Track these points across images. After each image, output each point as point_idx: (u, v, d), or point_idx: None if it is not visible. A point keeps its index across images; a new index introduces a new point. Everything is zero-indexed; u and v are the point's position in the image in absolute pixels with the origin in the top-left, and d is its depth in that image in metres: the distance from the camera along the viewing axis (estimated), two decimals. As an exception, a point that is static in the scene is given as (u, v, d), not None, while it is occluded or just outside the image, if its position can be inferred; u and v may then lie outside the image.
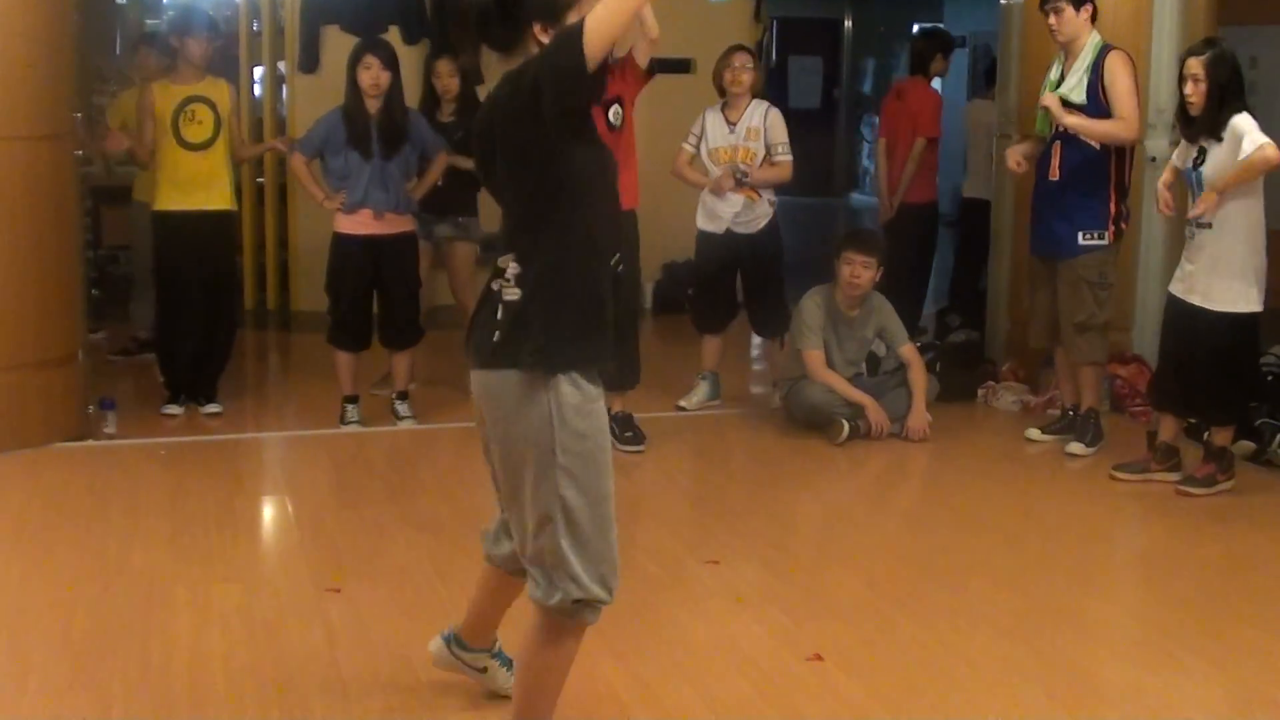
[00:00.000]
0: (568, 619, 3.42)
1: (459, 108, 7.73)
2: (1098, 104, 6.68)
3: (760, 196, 7.49)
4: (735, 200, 7.46)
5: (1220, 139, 6.07)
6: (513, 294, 3.30)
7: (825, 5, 20.29)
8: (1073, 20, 6.75)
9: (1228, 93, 6.07)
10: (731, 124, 7.46)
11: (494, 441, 3.41)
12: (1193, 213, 6.19)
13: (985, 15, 9.92)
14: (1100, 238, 6.77)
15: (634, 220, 6.47)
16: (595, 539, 3.36)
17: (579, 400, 3.29)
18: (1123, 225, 6.86)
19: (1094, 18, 6.79)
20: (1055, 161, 6.83)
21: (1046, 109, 6.79)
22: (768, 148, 7.46)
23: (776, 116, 7.54)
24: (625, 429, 6.82)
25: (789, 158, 7.51)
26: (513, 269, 3.31)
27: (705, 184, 7.48)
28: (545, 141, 3.22)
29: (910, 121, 9.08)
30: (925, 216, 9.26)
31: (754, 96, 7.54)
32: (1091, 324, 6.86)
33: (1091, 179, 6.76)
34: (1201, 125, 6.14)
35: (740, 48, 7.68)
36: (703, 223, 7.58)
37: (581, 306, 3.30)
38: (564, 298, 3.29)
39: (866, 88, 20.75)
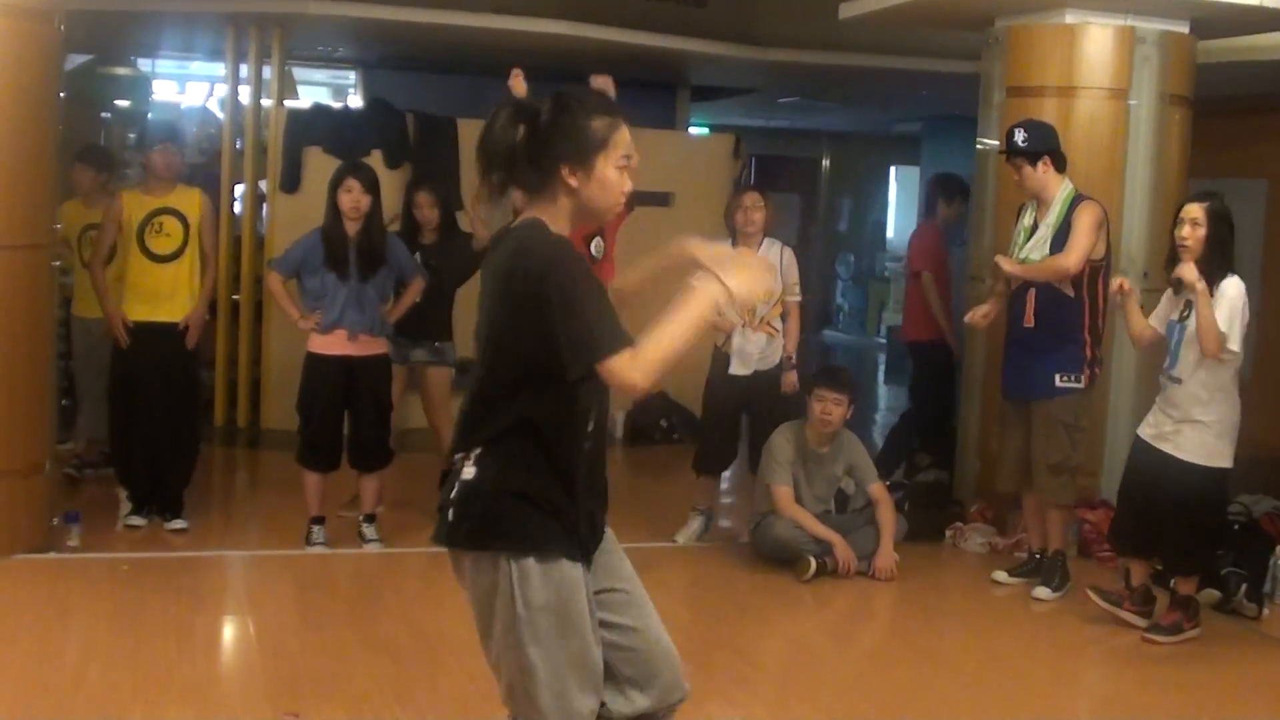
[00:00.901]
0: None
1: (440, 234, 7.80)
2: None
3: (777, 332, 7.52)
4: (757, 339, 7.46)
5: (1216, 286, 6.10)
6: (469, 472, 3.26)
7: (803, 144, 20.56)
8: (1033, 175, 6.87)
9: (1225, 242, 6.14)
10: None
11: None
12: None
13: (962, 160, 10.06)
14: (1076, 380, 6.82)
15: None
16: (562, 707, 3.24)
17: (532, 578, 3.20)
18: (1096, 370, 6.91)
19: (1060, 167, 6.90)
20: (1029, 308, 6.90)
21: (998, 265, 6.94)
22: (784, 287, 7.50)
23: (792, 256, 7.63)
24: None
25: (800, 298, 7.61)
26: (476, 448, 3.26)
27: (728, 326, 7.26)
28: (520, 343, 3.19)
29: (911, 261, 9.59)
30: (923, 355, 9.53)
31: (765, 234, 7.55)
32: (1066, 466, 6.89)
33: (1066, 323, 6.82)
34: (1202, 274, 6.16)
35: (751, 188, 7.78)
36: (736, 369, 7.48)
37: (531, 491, 3.22)
38: (513, 482, 3.22)
39: (842, 226, 20.98)
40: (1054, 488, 6.94)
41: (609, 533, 3.47)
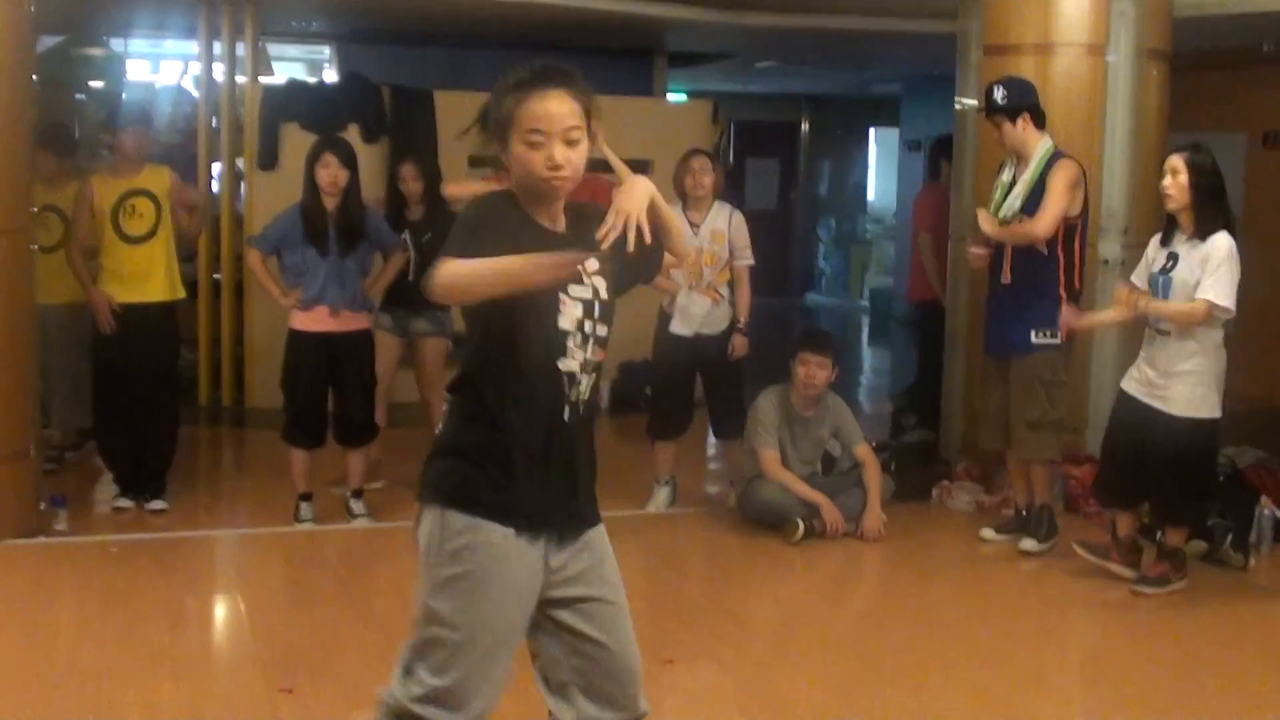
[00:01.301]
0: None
1: (426, 206, 7.76)
2: (1034, 212, 6.78)
3: (722, 297, 7.51)
4: (702, 301, 7.46)
5: (1202, 239, 6.13)
6: (439, 428, 3.32)
7: (782, 108, 20.53)
8: (1013, 132, 6.88)
9: (1211, 192, 6.14)
10: (695, 226, 7.38)
11: None
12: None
13: (941, 120, 10.08)
14: (1052, 336, 6.83)
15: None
16: (447, 679, 3.22)
17: (449, 532, 3.19)
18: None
19: (1040, 123, 6.90)
20: (1006, 265, 6.92)
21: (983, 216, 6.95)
22: (732, 251, 7.49)
23: (741, 220, 7.55)
24: None
25: (751, 262, 7.57)
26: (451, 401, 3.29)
27: (673, 288, 7.40)
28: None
29: (914, 222, 9.86)
30: (923, 314, 9.75)
31: (715, 199, 7.55)
32: (1044, 421, 6.91)
33: (1041, 280, 6.83)
34: (1186, 226, 6.17)
35: (699, 151, 7.67)
36: (676, 326, 7.47)
37: (467, 448, 3.21)
38: (454, 437, 3.24)
39: (823, 190, 20.96)
40: (1033, 444, 6.96)
41: (601, 540, 3.37)
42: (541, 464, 3.22)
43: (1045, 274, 6.83)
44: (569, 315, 3.18)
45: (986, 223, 6.90)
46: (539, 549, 3.23)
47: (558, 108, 3.13)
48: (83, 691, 4.88)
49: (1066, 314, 6.75)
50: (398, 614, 5.86)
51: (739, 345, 7.52)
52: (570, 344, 3.20)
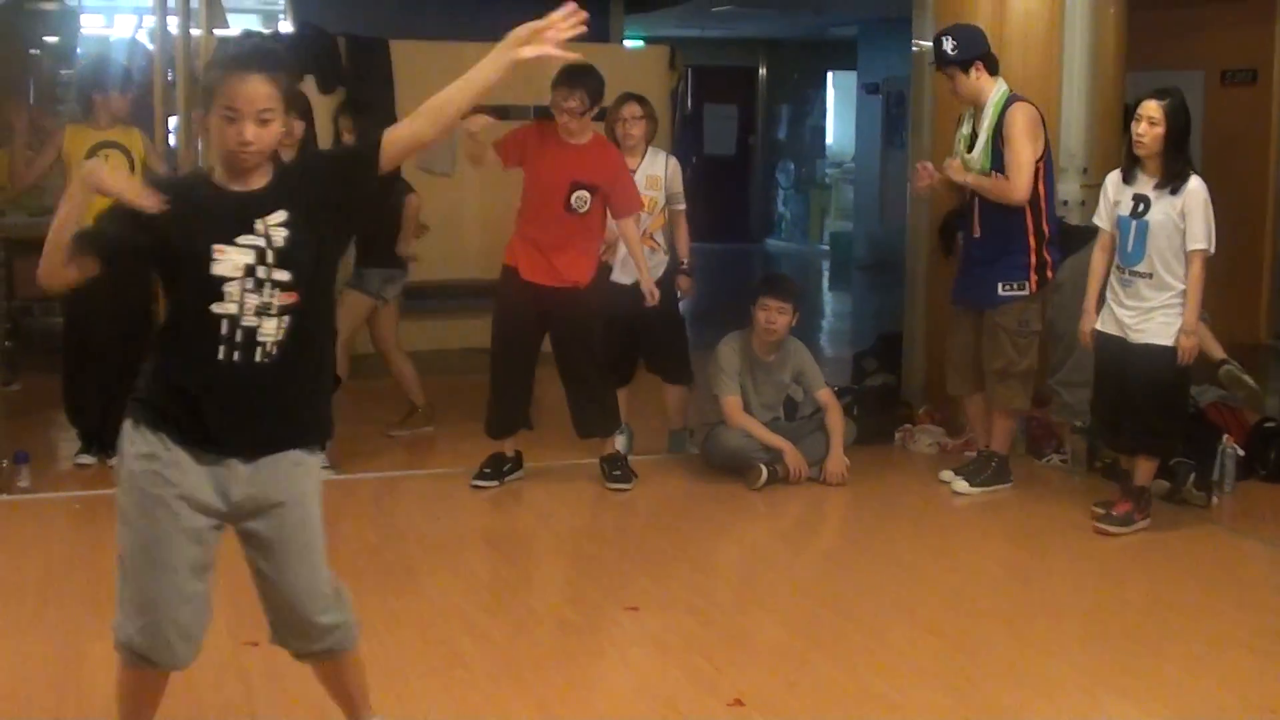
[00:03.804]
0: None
1: None
2: (1001, 164, 6.76)
3: (659, 245, 7.48)
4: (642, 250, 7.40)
5: (1173, 191, 6.17)
6: None
7: (739, 53, 20.48)
8: (966, 82, 6.85)
9: (1181, 139, 6.19)
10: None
11: None
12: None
13: (898, 62, 10.06)
14: (1021, 288, 6.84)
15: (596, 290, 6.92)
16: (127, 581, 3.58)
17: (126, 447, 3.53)
18: (1047, 275, 6.90)
19: (993, 70, 6.86)
20: (975, 219, 6.92)
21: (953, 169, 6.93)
22: (669, 197, 7.47)
23: (677, 166, 7.55)
24: (614, 468, 7.10)
25: (684, 206, 7.57)
26: None
27: (610, 238, 7.25)
28: None
29: None
30: None
31: (648, 145, 7.48)
32: (1011, 371, 6.93)
33: (1009, 231, 6.83)
34: (1154, 171, 6.22)
35: (630, 97, 7.50)
36: (617, 275, 7.40)
37: (160, 384, 3.52)
38: (146, 372, 3.57)
39: (781, 134, 20.94)
40: (1003, 393, 6.99)
41: (291, 478, 3.60)
42: (206, 398, 3.46)
43: (1013, 224, 6.81)
44: (228, 263, 3.40)
45: (958, 172, 6.88)
46: (202, 476, 3.50)
47: (253, 90, 3.40)
48: (49, 646, 4.87)
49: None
50: (361, 565, 5.88)
51: (684, 285, 7.55)
52: (231, 289, 3.40)
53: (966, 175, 6.85)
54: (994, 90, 6.84)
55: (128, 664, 3.63)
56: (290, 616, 3.68)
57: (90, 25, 12.99)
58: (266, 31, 12.82)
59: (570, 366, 7.03)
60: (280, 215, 3.46)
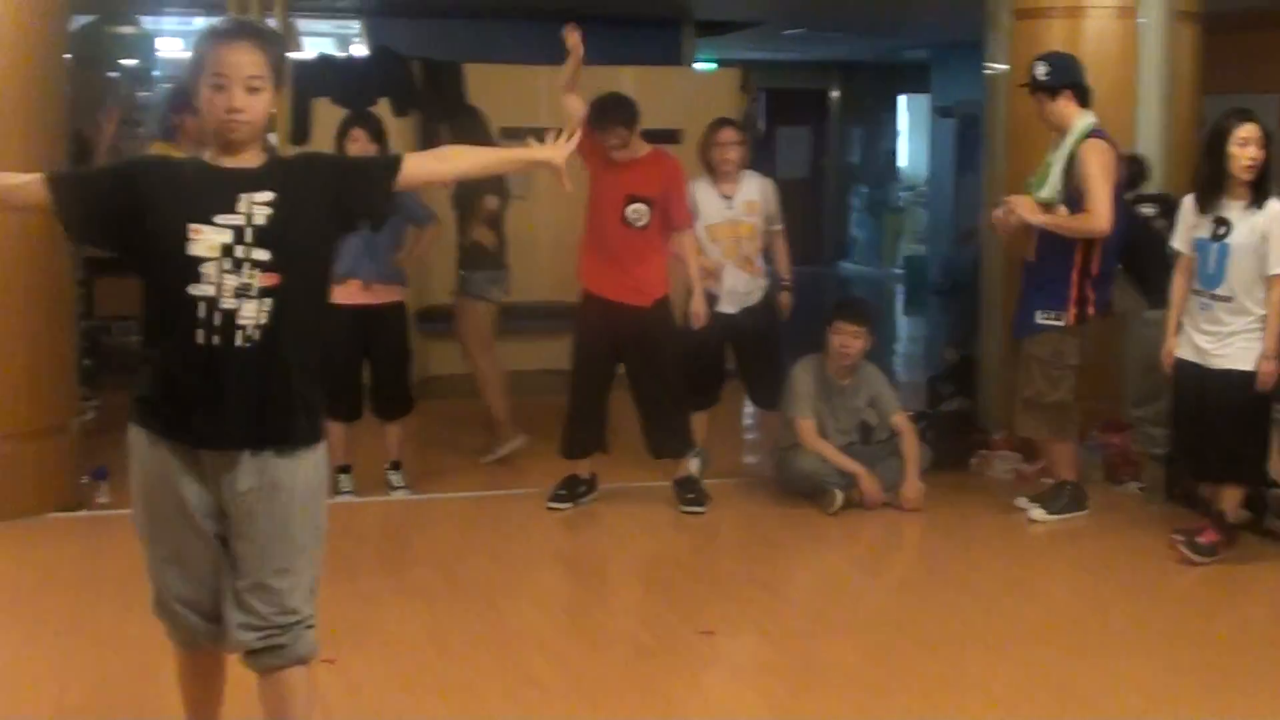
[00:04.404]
0: None
1: None
2: (1070, 196, 6.65)
3: (759, 269, 7.47)
4: (744, 279, 7.36)
5: (1259, 206, 6.11)
6: None
7: (812, 76, 20.45)
8: (1053, 109, 6.77)
9: (1271, 164, 6.15)
10: (727, 199, 7.32)
11: None
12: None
13: (971, 85, 10.01)
14: (1058, 318, 6.73)
15: (667, 311, 6.91)
16: (148, 564, 3.69)
17: (131, 451, 3.58)
18: (1088, 309, 6.75)
19: (1082, 101, 6.76)
20: (1031, 242, 6.85)
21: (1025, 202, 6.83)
22: (766, 218, 7.44)
23: (773, 188, 7.53)
24: (687, 491, 7.08)
25: (781, 227, 7.57)
26: None
27: (705, 263, 7.21)
28: None
29: None
30: None
31: (744, 169, 7.44)
32: (1039, 402, 6.83)
33: (1057, 260, 6.71)
34: (1239, 194, 6.14)
35: (725, 122, 7.54)
36: (724, 306, 7.31)
37: (148, 374, 3.52)
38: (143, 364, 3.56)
39: (854, 157, 20.89)
40: (1028, 422, 6.94)
41: (276, 464, 3.51)
42: (188, 384, 3.43)
43: (1061, 253, 6.70)
44: (204, 243, 3.36)
45: (1028, 210, 6.77)
46: (194, 463, 3.50)
47: (242, 56, 3.38)
48: (127, 662, 4.91)
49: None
50: (437, 584, 5.91)
51: (785, 302, 7.55)
52: (208, 270, 3.36)
53: (1041, 217, 6.74)
54: (1079, 121, 6.74)
55: (174, 644, 3.81)
56: (256, 599, 3.56)
57: (166, 48, 13.16)
58: (341, 55, 12.93)
59: (641, 387, 7.03)
60: (267, 195, 3.42)
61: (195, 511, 3.51)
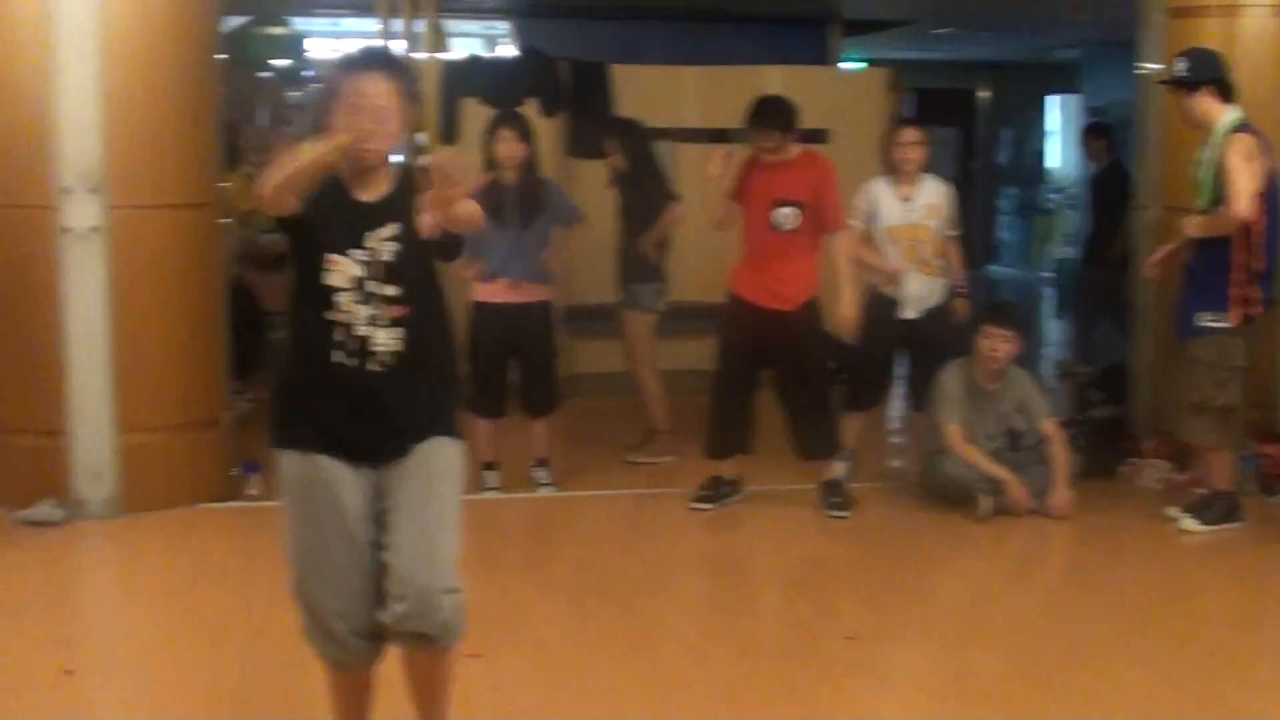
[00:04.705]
0: None
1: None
2: (1221, 194, 6.51)
3: (938, 272, 7.36)
4: (925, 281, 7.28)
5: None
6: None
7: (961, 76, 20.24)
8: (1192, 105, 6.65)
9: None
10: (907, 201, 7.24)
11: None
12: None
13: (1122, 85, 9.84)
14: (1221, 320, 6.58)
15: (815, 309, 6.85)
16: (298, 586, 3.75)
17: (280, 459, 3.72)
18: (1252, 310, 6.60)
19: (1226, 96, 6.61)
20: (1191, 247, 6.71)
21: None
22: (947, 223, 7.35)
23: (952, 192, 7.43)
24: (832, 494, 7.05)
25: (957, 232, 7.46)
26: None
27: (885, 266, 7.21)
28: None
29: None
30: None
31: (925, 171, 7.35)
32: (1207, 406, 6.68)
33: (1216, 261, 6.56)
34: None
35: (909, 123, 7.46)
36: (907, 312, 7.25)
37: (281, 385, 3.76)
38: (277, 388, 3.80)
39: (1002, 158, 20.62)
40: (1195, 428, 6.76)
41: (415, 456, 3.70)
42: (330, 401, 3.62)
43: (1221, 254, 6.54)
44: (340, 274, 3.57)
45: (1192, 228, 6.65)
46: (348, 471, 3.64)
47: (374, 86, 3.55)
48: (278, 650, 4.97)
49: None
50: (580, 581, 5.93)
51: (960, 308, 7.45)
52: (341, 299, 3.56)
53: (1198, 229, 6.60)
54: (1224, 117, 6.60)
55: (324, 663, 3.84)
56: (412, 586, 3.68)
57: (315, 49, 13.36)
58: (490, 56, 13.03)
59: (788, 391, 6.99)
60: (391, 229, 3.59)
61: (348, 514, 3.66)
